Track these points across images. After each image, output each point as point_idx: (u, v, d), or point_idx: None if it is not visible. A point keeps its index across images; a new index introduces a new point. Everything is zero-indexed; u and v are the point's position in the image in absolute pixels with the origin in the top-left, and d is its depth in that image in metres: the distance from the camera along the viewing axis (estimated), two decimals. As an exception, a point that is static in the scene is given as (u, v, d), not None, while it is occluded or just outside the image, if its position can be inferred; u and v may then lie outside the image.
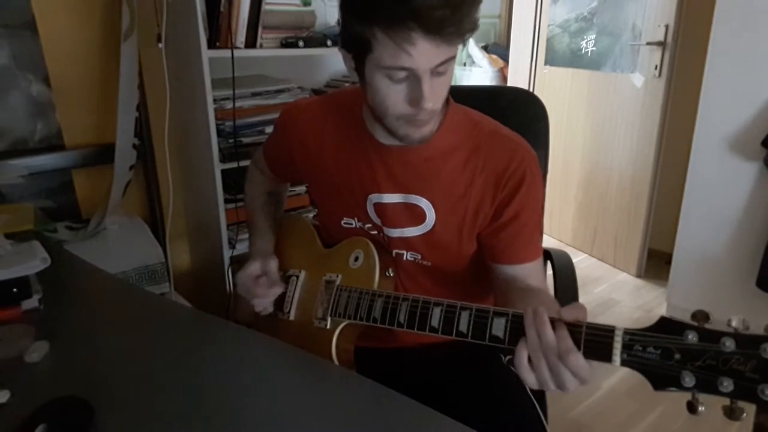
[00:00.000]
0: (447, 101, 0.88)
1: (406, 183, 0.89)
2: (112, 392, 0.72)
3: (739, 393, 0.54)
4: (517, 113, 1.16)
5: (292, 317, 0.96)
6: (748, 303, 2.02)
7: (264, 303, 0.96)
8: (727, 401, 0.55)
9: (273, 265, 0.98)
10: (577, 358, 0.62)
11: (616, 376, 1.93)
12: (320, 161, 0.96)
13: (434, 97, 0.74)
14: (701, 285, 2.19)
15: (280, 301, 0.98)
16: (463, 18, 0.68)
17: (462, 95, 0.95)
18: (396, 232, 0.92)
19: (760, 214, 1.96)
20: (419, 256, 0.94)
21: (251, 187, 1.16)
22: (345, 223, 0.97)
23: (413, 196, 0.89)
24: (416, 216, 0.90)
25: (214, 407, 0.69)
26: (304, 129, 0.97)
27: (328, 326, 0.88)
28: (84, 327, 0.91)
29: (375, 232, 0.95)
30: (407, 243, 0.93)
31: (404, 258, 0.94)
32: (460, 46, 0.74)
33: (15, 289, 0.92)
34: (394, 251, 0.94)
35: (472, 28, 0.71)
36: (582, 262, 2.90)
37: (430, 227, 0.90)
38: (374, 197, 0.91)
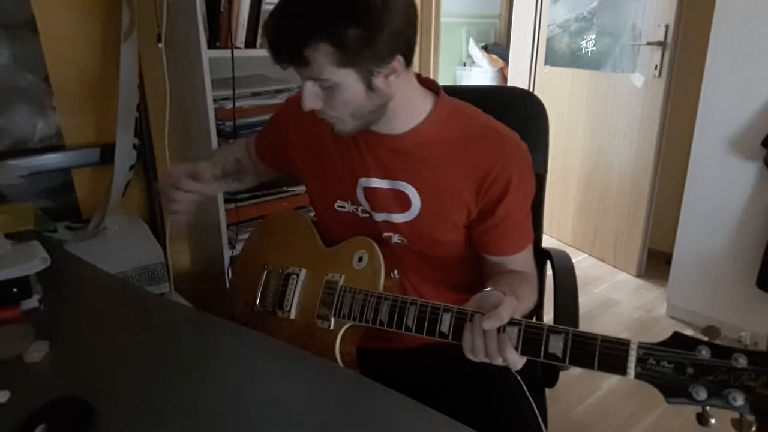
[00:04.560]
0: (438, 95, 0.91)
1: (394, 169, 0.92)
2: (112, 392, 0.72)
3: (749, 407, 0.56)
4: (517, 113, 1.15)
5: (292, 316, 0.95)
6: (748, 303, 2.03)
7: (186, 199, 0.94)
8: (736, 414, 0.57)
9: (205, 166, 0.96)
10: (496, 359, 0.70)
11: (616, 377, 1.92)
12: (317, 146, 1.00)
13: (315, 103, 0.82)
14: (701, 285, 2.20)
15: (280, 299, 0.98)
16: (302, 48, 0.74)
17: (461, 95, 0.96)
18: (382, 216, 0.95)
19: (760, 214, 1.96)
20: (406, 241, 0.96)
21: (222, 148, 1.17)
22: (338, 207, 1.00)
23: (400, 182, 0.92)
24: (403, 202, 0.92)
25: (214, 407, 0.69)
26: (302, 116, 0.98)
27: (331, 327, 0.89)
28: (84, 327, 0.91)
29: (366, 215, 0.97)
30: (394, 227, 0.95)
31: (393, 241, 0.97)
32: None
33: (15, 289, 0.92)
34: (383, 234, 0.96)
35: (314, 57, 0.75)
36: (582, 262, 2.90)
37: (416, 214, 0.92)
38: (363, 181, 0.94)
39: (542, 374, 1.03)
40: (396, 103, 0.85)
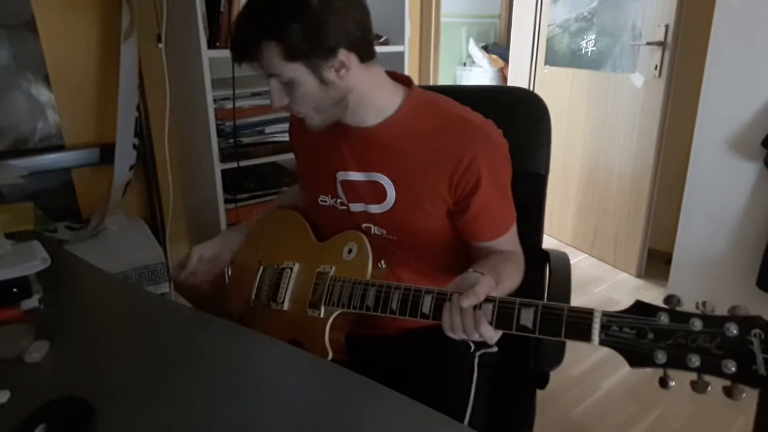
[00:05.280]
0: (410, 88, 0.94)
1: (368, 161, 0.94)
2: (112, 392, 0.72)
3: (706, 368, 0.59)
4: (519, 113, 1.16)
5: (285, 307, 0.97)
6: (748, 303, 1.99)
7: (191, 280, 1.08)
8: (694, 376, 0.60)
9: (227, 256, 1.11)
10: (473, 335, 0.74)
11: (616, 377, 1.93)
12: (306, 147, 1.05)
13: (281, 99, 0.88)
14: (701, 285, 2.19)
15: (274, 292, 1.00)
16: (250, 45, 0.82)
17: (463, 95, 0.97)
18: (358, 207, 0.97)
19: (760, 214, 1.96)
20: (384, 232, 0.98)
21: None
22: (321, 201, 1.03)
23: (374, 173, 0.94)
24: (378, 193, 0.94)
25: (214, 406, 0.69)
26: (297, 122, 1.03)
27: (321, 315, 0.91)
28: (84, 327, 0.91)
29: (344, 207, 0.99)
30: (372, 218, 0.97)
31: (372, 232, 0.98)
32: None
33: (15, 289, 0.92)
34: (363, 225, 0.98)
35: (262, 53, 0.82)
36: (582, 262, 2.90)
37: (391, 205, 0.94)
38: (341, 175, 0.97)
39: (534, 375, 1.04)
40: (359, 97, 0.89)
